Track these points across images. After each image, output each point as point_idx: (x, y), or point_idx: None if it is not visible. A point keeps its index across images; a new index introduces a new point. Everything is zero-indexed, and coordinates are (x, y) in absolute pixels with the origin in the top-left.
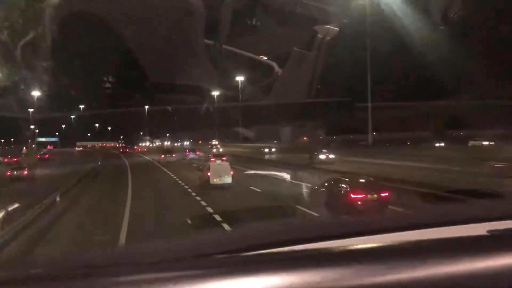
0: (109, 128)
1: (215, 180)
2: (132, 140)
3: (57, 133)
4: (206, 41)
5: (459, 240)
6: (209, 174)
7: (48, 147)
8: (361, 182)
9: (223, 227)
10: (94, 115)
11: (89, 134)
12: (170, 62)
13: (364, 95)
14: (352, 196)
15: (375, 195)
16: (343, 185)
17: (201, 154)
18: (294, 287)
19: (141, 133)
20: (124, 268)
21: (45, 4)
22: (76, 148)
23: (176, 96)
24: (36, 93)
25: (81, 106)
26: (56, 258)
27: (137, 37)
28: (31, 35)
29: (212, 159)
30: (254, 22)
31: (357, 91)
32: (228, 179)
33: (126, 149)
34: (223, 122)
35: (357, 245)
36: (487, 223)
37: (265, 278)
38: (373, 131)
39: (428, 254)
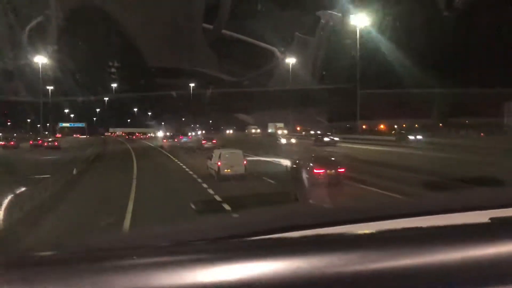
0: (150, 113)
1: (226, 170)
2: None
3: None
4: (206, 25)
5: (462, 227)
6: (219, 163)
7: (74, 135)
8: (323, 160)
9: (226, 211)
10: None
11: (129, 120)
12: (171, 47)
13: (367, 82)
14: (315, 171)
15: (333, 171)
16: (309, 163)
17: (194, 138)
18: (300, 272)
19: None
20: (128, 251)
21: None
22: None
23: (178, 81)
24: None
25: (114, 86)
26: (60, 241)
27: (137, 25)
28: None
29: (203, 142)
30: (256, 7)
31: (361, 78)
32: (241, 169)
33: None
34: (221, 108)
35: (361, 231)
36: (489, 211)
37: (270, 263)
38: (376, 119)
39: (431, 241)
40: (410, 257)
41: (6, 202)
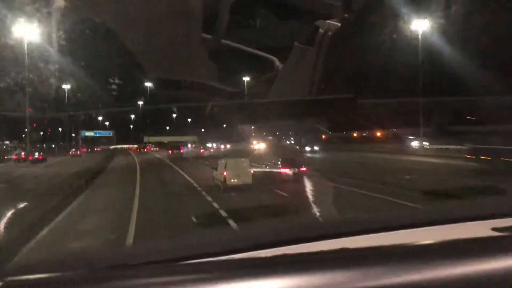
0: (189, 119)
1: (232, 180)
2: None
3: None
4: (204, 35)
5: (465, 242)
6: (225, 173)
7: (96, 148)
8: (289, 160)
9: (229, 225)
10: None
11: (167, 127)
12: (169, 60)
13: (368, 92)
14: (281, 169)
15: (296, 169)
16: (277, 162)
17: (193, 148)
18: None
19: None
20: (131, 271)
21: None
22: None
23: (179, 93)
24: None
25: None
26: (63, 259)
27: (137, 38)
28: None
29: (202, 151)
30: (254, 16)
31: (361, 88)
32: (247, 179)
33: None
34: (224, 121)
35: (363, 245)
36: (491, 221)
37: (271, 281)
38: (375, 127)
39: (435, 256)
40: (413, 273)
41: None
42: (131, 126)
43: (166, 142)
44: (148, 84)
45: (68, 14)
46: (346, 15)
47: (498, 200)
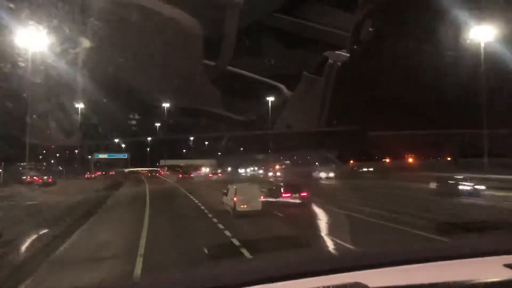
0: (206, 142)
1: (242, 206)
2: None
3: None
4: (208, 62)
5: (474, 284)
6: (235, 199)
7: (98, 172)
8: (291, 186)
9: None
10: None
11: (184, 150)
12: (173, 88)
13: (377, 123)
14: (283, 194)
15: (297, 194)
16: (280, 188)
17: (202, 173)
18: None
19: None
20: None
21: None
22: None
23: (187, 120)
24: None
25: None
26: None
27: (138, 67)
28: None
29: (210, 176)
30: (262, 44)
31: (370, 119)
32: (257, 205)
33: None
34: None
35: (375, 279)
36: (502, 256)
37: None
38: (386, 159)
39: None
40: None
41: None
42: (148, 149)
43: (182, 165)
44: (165, 106)
45: (84, 53)
46: (355, 46)
47: (508, 236)
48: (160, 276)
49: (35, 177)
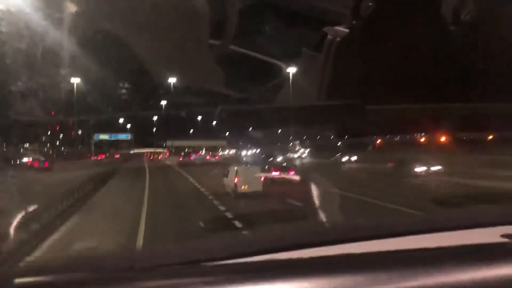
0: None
1: (243, 187)
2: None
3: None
4: (212, 41)
5: (474, 247)
6: (236, 180)
7: (101, 155)
8: (279, 165)
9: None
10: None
11: (191, 130)
12: (176, 66)
13: (376, 97)
14: (273, 172)
15: (286, 172)
16: (270, 166)
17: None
18: None
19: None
20: (139, 274)
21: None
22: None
23: (186, 100)
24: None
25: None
26: (71, 261)
27: (147, 44)
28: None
29: (207, 157)
30: (262, 22)
31: (369, 93)
32: (258, 187)
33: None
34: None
35: (370, 250)
36: (500, 227)
37: (278, 285)
38: (384, 134)
39: (442, 262)
40: (421, 278)
41: None
42: (154, 129)
43: (189, 147)
44: (171, 81)
45: (80, 20)
46: (354, 22)
47: (506, 207)
48: (158, 247)
49: (29, 161)
